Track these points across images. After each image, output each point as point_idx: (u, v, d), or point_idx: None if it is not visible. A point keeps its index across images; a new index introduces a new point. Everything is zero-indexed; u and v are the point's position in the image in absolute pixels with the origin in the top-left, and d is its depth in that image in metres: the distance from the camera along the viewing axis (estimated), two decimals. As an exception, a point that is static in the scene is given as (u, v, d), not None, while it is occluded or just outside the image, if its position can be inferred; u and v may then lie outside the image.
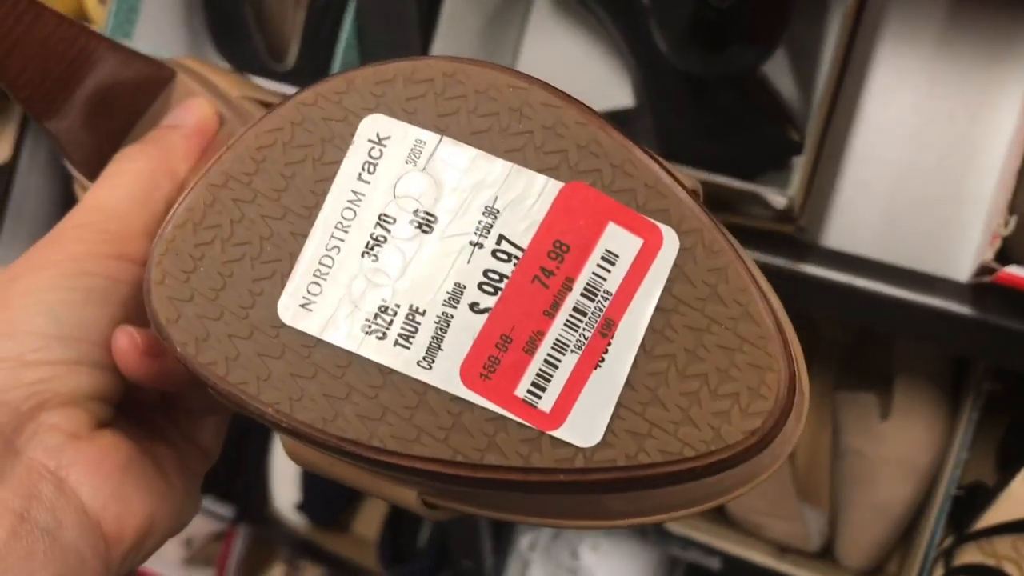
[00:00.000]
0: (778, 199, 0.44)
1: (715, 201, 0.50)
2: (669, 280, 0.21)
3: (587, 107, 0.22)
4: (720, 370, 0.20)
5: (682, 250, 0.21)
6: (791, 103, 0.52)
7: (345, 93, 0.22)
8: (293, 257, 0.22)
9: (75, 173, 0.33)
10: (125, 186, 0.28)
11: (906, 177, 0.52)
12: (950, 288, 0.48)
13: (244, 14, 0.59)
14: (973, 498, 0.59)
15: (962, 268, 0.51)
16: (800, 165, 0.46)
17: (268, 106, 0.34)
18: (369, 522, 1.00)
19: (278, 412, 0.22)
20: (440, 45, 0.51)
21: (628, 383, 0.21)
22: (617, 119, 0.53)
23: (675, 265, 0.21)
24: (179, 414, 0.30)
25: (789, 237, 0.52)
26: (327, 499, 0.96)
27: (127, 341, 0.25)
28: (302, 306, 0.22)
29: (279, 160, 0.22)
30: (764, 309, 0.21)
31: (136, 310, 0.26)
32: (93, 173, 0.31)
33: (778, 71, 0.52)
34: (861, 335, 0.66)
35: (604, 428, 0.20)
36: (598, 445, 0.20)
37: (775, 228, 0.50)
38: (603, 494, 0.22)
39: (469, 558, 0.84)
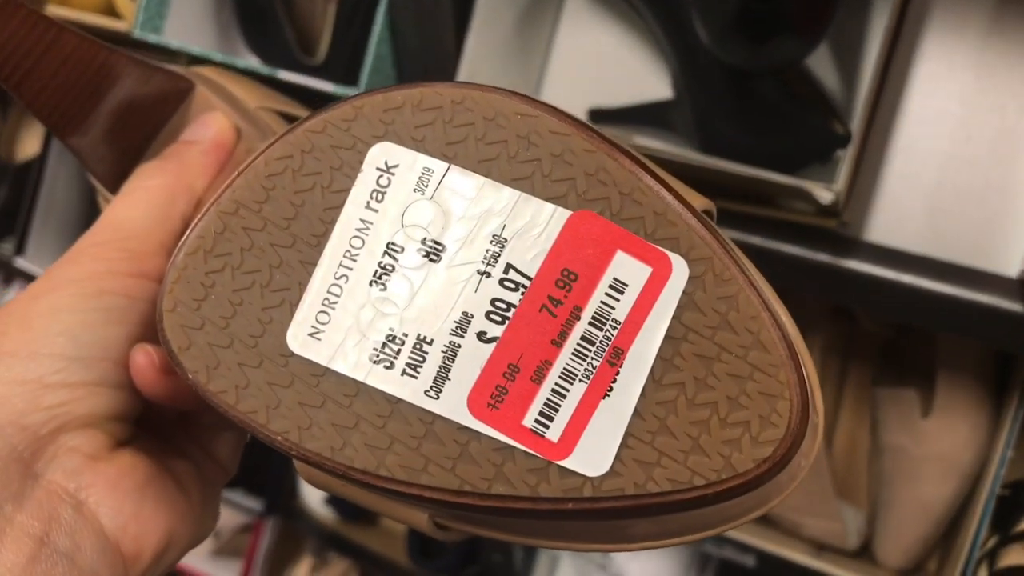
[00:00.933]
0: (824, 194, 0.42)
1: (756, 196, 0.49)
2: (679, 308, 0.21)
3: (596, 133, 0.22)
4: (730, 398, 0.20)
5: (692, 278, 0.21)
6: (834, 94, 0.51)
7: (354, 120, 0.22)
8: (302, 286, 0.22)
9: (98, 185, 0.33)
10: (143, 204, 0.28)
11: (952, 169, 0.51)
12: (999, 284, 0.47)
13: (274, 7, 0.58)
14: (1018, 497, 0.58)
15: (1011, 263, 0.50)
16: (845, 158, 0.45)
17: (287, 116, 0.34)
18: (398, 516, 1.00)
19: (287, 441, 0.22)
20: (474, 38, 0.51)
21: (637, 412, 0.21)
22: (655, 111, 0.52)
23: (685, 293, 0.21)
24: (197, 429, 0.30)
25: (831, 232, 0.50)
26: (356, 492, 0.96)
27: (145, 359, 0.26)
28: (311, 335, 0.22)
29: (289, 188, 0.22)
30: (776, 336, 0.20)
31: (155, 328, 0.26)
32: (115, 186, 0.31)
33: (820, 62, 0.51)
34: (901, 329, 0.65)
35: (612, 458, 0.21)
36: (606, 474, 0.20)
37: (817, 223, 0.49)
38: (612, 521, 0.22)
39: (499, 553, 0.83)
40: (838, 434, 0.67)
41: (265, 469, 0.94)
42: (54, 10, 0.63)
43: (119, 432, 0.26)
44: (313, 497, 0.97)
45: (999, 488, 0.55)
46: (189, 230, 0.24)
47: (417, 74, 0.54)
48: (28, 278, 0.91)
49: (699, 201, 0.22)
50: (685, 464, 0.20)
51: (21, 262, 0.89)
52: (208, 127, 0.30)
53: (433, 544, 0.93)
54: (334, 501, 0.95)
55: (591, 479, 0.20)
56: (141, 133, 0.31)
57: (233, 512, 0.97)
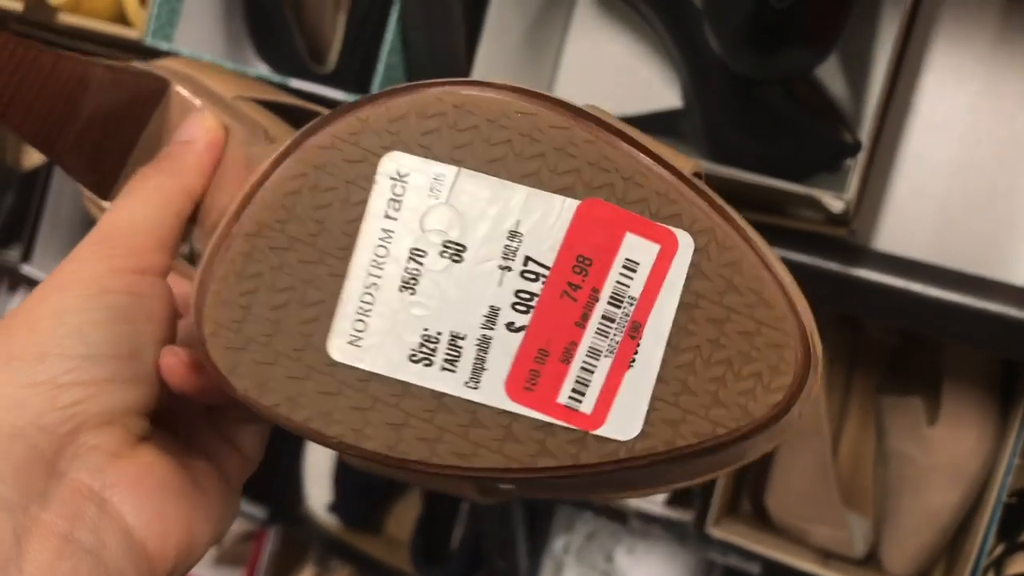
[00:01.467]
0: (835, 202, 0.43)
1: (764, 204, 0.49)
2: (688, 279, 0.22)
3: (596, 121, 0.23)
4: (742, 354, 0.22)
5: (697, 249, 0.22)
6: (843, 104, 0.51)
7: (360, 133, 0.23)
8: (335, 298, 0.23)
9: (85, 191, 0.33)
10: (141, 204, 0.28)
11: (961, 178, 0.51)
12: (1007, 293, 0.47)
13: (284, 16, 0.59)
14: (1024, 505, 0.58)
15: (1019, 272, 0.50)
16: (855, 167, 0.45)
17: (265, 104, 0.34)
18: (402, 523, 0.99)
19: (343, 443, 0.23)
20: (485, 47, 0.51)
21: (660, 377, 0.22)
22: (664, 120, 0.53)
23: (692, 264, 0.22)
24: (223, 421, 0.30)
25: (840, 240, 0.51)
26: (359, 499, 0.96)
27: (174, 359, 0.26)
28: (350, 343, 0.23)
29: (308, 205, 0.23)
30: (777, 291, 0.22)
31: (161, 320, 0.27)
32: (104, 192, 0.31)
33: (829, 71, 0.51)
34: (906, 338, 0.65)
35: (642, 421, 0.22)
36: (638, 436, 0.22)
37: (826, 231, 0.50)
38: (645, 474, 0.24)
39: (503, 559, 0.83)
40: (844, 442, 0.67)
41: (268, 477, 0.94)
42: (65, 19, 0.63)
43: (137, 428, 0.26)
44: (317, 505, 0.97)
45: (1006, 496, 0.55)
46: (211, 251, 0.24)
47: (427, 82, 0.54)
48: (34, 285, 0.91)
49: (687, 164, 0.23)
50: (707, 418, 0.22)
51: (27, 269, 0.89)
52: (197, 127, 0.30)
53: (437, 551, 0.93)
54: (337, 509, 0.95)
55: (625, 443, 0.22)
56: (122, 137, 0.31)
57: (236, 520, 0.96)
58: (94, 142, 0.30)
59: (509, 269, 0.23)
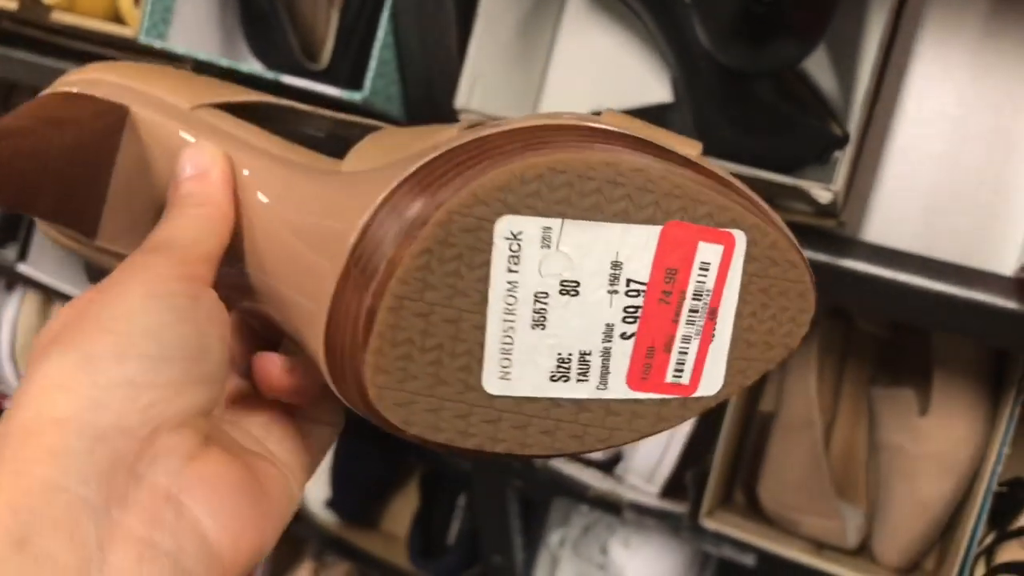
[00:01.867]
0: (823, 194, 0.43)
1: (755, 196, 0.50)
2: (744, 264, 0.28)
3: (664, 153, 0.27)
4: (782, 307, 0.29)
5: (748, 242, 0.28)
6: (831, 96, 0.52)
7: (473, 206, 0.26)
8: (481, 346, 0.27)
9: (51, 231, 0.34)
10: (183, 227, 0.29)
11: (949, 170, 0.52)
12: (995, 282, 0.48)
13: (278, 13, 0.59)
14: (1014, 495, 0.58)
15: (1007, 262, 0.50)
16: (843, 159, 0.46)
17: (226, 107, 0.34)
18: (398, 518, 1.00)
19: (509, 455, 0.28)
20: (477, 42, 0.51)
21: (730, 343, 0.29)
22: (654, 114, 0.53)
23: (745, 253, 0.28)
24: (303, 421, 0.32)
25: (829, 232, 0.51)
26: (356, 496, 0.97)
27: (268, 364, 0.29)
28: (501, 378, 0.27)
29: (439, 272, 0.26)
30: (798, 255, 0.28)
31: (222, 322, 0.28)
32: (90, 231, 0.32)
33: (817, 64, 0.52)
34: (897, 329, 0.66)
35: (723, 378, 0.29)
36: (721, 388, 0.29)
37: (815, 223, 0.50)
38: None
39: (499, 554, 0.84)
40: (836, 433, 0.68)
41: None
42: (59, 17, 0.63)
43: (204, 429, 0.27)
44: (314, 501, 0.97)
45: (996, 485, 0.56)
46: (338, 321, 0.26)
47: (421, 79, 0.54)
48: (30, 283, 0.91)
49: (694, 149, 0.28)
50: (764, 359, 0.29)
51: (23, 268, 0.89)
52: (203, 158, 0.30)
53: (434, 546, 0.94)
54: (335, 505, 0.96)
55: (713, 395, 0.29)
56: (95, 174, 0.31)
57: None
58: (69, 189, 0.30)
59: (616, 292, 0.27)
